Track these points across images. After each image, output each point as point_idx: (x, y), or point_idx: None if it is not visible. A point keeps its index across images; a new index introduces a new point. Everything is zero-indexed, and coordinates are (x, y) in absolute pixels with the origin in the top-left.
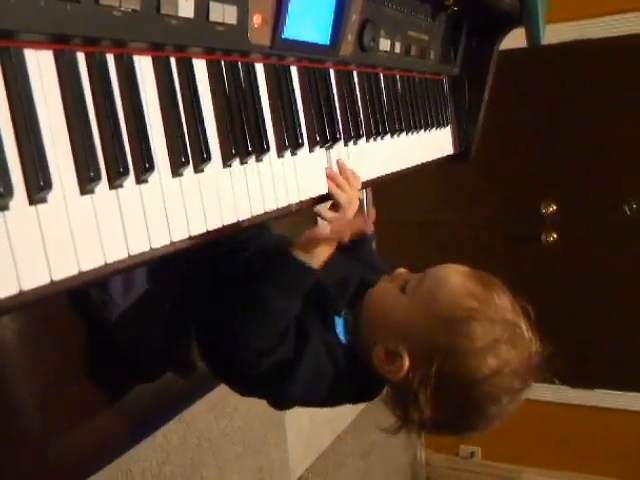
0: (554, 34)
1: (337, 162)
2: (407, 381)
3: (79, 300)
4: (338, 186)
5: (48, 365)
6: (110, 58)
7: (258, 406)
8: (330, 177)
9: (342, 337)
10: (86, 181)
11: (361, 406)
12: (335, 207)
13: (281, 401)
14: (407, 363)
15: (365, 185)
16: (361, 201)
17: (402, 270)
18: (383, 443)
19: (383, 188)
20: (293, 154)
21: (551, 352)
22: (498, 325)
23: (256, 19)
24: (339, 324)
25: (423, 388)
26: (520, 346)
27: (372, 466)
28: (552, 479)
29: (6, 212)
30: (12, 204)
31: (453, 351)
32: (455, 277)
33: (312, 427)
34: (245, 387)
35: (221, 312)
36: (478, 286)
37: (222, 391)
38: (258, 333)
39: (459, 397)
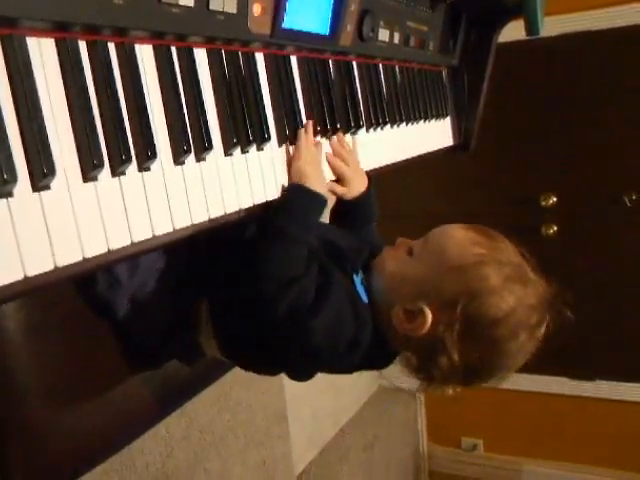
0: (553, 26)
1: (337, 135)
2: (431, 333)
3: (83, 287)
4: (342, 159)
5: (51, 354)
6: (111, 46)
7: (261, 400)
8: (335, 152)
9: (362, 296)
10: (89, 168)
11: (363, 399)
12: (342, 182)
13: (302, 351)
14: (430, 316)
15: None
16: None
17: (402, 239)
18: (386, 436)
19: (382, 180)
20: (291, 144)
21: (557, 290)
22: (506, 266)
23: (256, 8)
24: (358, 283)
25: (449, 333)
26: (530, 283)
27: (375, 459)
28: (554, 470)
29: (10, 199)
30: (16, 191)
31: (472, 294)
32: (458, 231)
33: (315, 421)
34: (269, 342)
35: (239, 262)
36: (481, 235)
37: (225, 385)
38: (281, 260)
39: (484, 336)
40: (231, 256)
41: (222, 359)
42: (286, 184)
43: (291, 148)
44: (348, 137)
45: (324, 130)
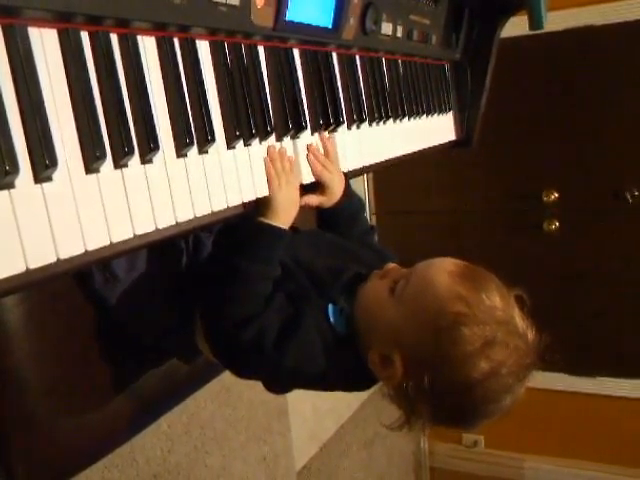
0: (557, 21)
1: (320, 137)
2: (403, 387)
3: (80, 282)
4: (322, 164)
5: (51, 350)
6: (114, 37)
7: (262, 396)
8: (314, 156)
9: (336, 326)
10: (91, 160)
11: (364, 396)
12: (321, 189)
13: (273, 379)
14: (400, 371)
15: (367, 170)
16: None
17: (391, 266)
18: (386, 432)
19: (383, 175)
20: (295, 137)
21: (549, 340)
22: (488, 326)
23: (259, 0)
24: (332, 313)
25: (420, 395)
26: (513, 343)
27: (375, 455)
28: (555, 467)
29: (12, 190)
30: (18, 182)
31: (444, 359)
32: (441, 278)
33: (316, 417)
34: (240, 364)
35: (205, 289)
36: (465, 286)
37: (226, 380)
38: (239, 301)
39: (456, 402)
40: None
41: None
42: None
43: (293, 142)
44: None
45: (326, 124)
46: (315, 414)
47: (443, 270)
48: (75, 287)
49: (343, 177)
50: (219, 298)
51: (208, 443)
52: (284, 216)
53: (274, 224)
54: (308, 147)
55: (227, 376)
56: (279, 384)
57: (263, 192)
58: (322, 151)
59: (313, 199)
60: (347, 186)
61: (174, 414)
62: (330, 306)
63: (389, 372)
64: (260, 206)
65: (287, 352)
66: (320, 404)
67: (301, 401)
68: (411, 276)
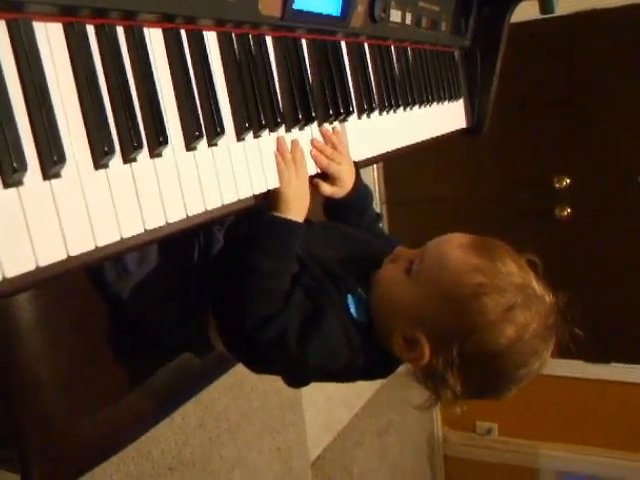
0: (567, 4)
1: (321, 131)
2: (432, 365)
3: (92, 276)
4: (329, 157)
5: (66, 346)
6: (120, 30)
7: (275, 387)
8: (318, 150)
9: (356, 316)
10: (100, 155)
11: (377, 385)
12: (332, 180)
13: (295, 375)
14: (427, 349)
15: (378, 159)
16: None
17: (402, 249)
18: (400, 421)
19: (392, 164)
20: (302, 129)
21: (566, 299)
22: (508, 292)
23: None
24: (352, 303)
25: (449, 369)
26: (535, 306)
27: (389, 444)
28: (569, 453)
29: (20, 187)
30: (26, 179)
31: (470, 330)
32: (454, 252)
33: (329, 407)
34: (260, 361)
35: (220, 288)
36: (480, 257)
37: (239, 372)
38: (258, 300)
39: (486, 370)
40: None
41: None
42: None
43: (301, 133)
44: (338, 126)
45: (336, 113)
46: (328, 404)
47: (455, 244)
48: (87, 282)
49: (354, 167)
50: (237, 297)
51: (222, 435)
52: (296, 209)
53: (288, 218)
54: (312, 142)
55: (240, 368)
56: (301, 379)
57: (274, 183)
58: (329, 143)
59: (326, 187)
60: (357, 176)
61: (188, 407)
62: (349, 296)
63: (416, 353)
64: (271, 199)
65: (311, 349)
66: (333, 394)
67: (314, 391)
68: (424, 255)
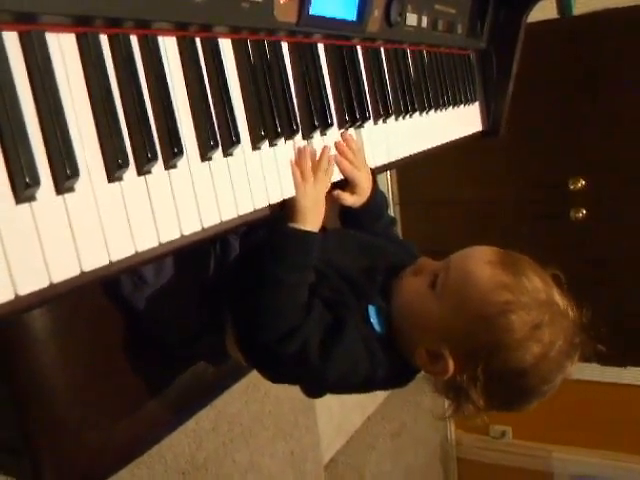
0: (584, 4)
1: (343, 137)
2: (455, 379)
3: (108, 287)
4: (350, 162)
5: (80, 357)
6: (134, 39)
7: (289, 391)
8: (341, 154)
9: (377, 327)
10: (114, 168)
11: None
12: (351, 188)
13: (314, 386)
14: (452, 365)
15: (394, 165)
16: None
17: (425, 260)
18: (413, 424)
19: (409, 166)
20: (323, 134)
21: (589, 315)
22: (534, 310)
23: None
24: (372, 314)
25: (473, 385)
26: (560, 323)
27: (402, 447)
28: (583, 458)
29: (33, 203)
30: (39, 194)
31: (496, 347)
32: (481, 269)
33: (342, 410)
34: (279, 373)
35: (239, 301)
36: (506, 273)
37: (253, 377)
38: (278, 313)
39: (511, 386)
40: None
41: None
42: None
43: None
44: (353, 132)
45: (352, 119)
46: (341, 407)
47: (481, 260)
48: (103, 292)
49: (370, 174)
50: (257, 311)
51: (236, 439)
52: (312, 219)
53: (305, 229)
54: (336, 145)
55: (254, 373)
56: (320, 391)
57: (290, 192)
58: (351, 149)
59: (347, 197)
60: (374, 183)
61: (202, 411)
62: (370, 307)
63: (439, 367)
64: (287, 210)
65: (331, 364)
66: (346, 397)
67: (328, 395)
68: (449, 269)
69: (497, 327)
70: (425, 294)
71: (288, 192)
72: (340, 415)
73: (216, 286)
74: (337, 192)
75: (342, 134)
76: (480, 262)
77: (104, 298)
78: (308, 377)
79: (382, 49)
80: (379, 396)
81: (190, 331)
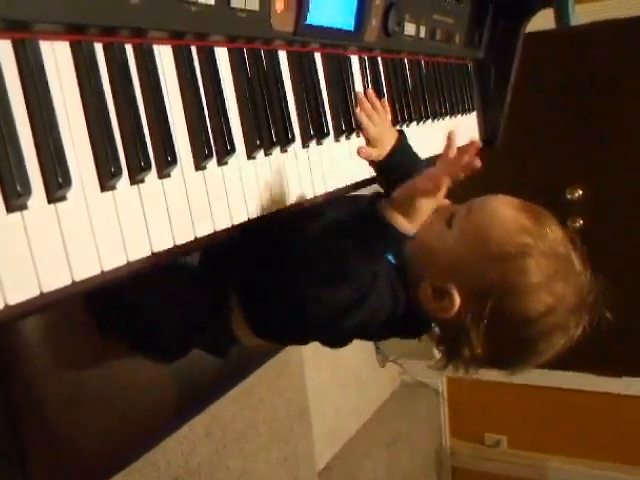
0: (582, 14)
1: (367, 92)
2: (457, 319)
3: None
4: (368, 117)
5: (71, 362)
6: (129, 48)
7: (283, 397)
8: (360, 104)
9: (393, 260)
10: (107, 177)
11: (386, 395)
12: (370, 143)
13: (336, 341)
14: (458, 301)
15: None
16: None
17: (446, 201)
18: (408, 432)
19: None
20: (319, 144)
21: (605, 283)
22: (552, 260)
23: (278, 5)
24: None
25: (475, 326)
26: (573, 281)
27: (397, 455)
28: (578, 467)
29: (24, 212)
30: (30, 203)
31: (508, 289)
32: (505, 210)
33: (337, 417)
34: (296, 337)
35: (286, 269)
36: (530, 219)
37: (247, 382)
38: (335, 287)
39: (512, 334)
40: (266, 247)
41: (254, 346)
42: (311, 188)
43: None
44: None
45: (350, 129)
46: (336, 415)
47: (507, 203)
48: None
49: (395, 132)
50: (318, 284)
51: (229, 445)
52: (420, 219)
53: (410, 232)
54: (357, 96)
55: (249, 379)
56: (345, 341)
57: (282, 205)
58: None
59: (366, 151)
60: (402, 142)
61: (195, 417)
62: None
63: (444, 304)
64: (401, 198)
65: (362, 313)
66: (341, 403)
67: (322, 401)
68: (472, 207)
69: (513, 268)
70: (440, 229)
71: (282, 203)
72: (335, 422)
73: (220, 267)
74: (359, 147)
75: (367, 92)
76: (506, 204)
77: (98, 300)
78: (331, 335)
79: (380, 58)
80: (374, 403)
81: (193, 318)
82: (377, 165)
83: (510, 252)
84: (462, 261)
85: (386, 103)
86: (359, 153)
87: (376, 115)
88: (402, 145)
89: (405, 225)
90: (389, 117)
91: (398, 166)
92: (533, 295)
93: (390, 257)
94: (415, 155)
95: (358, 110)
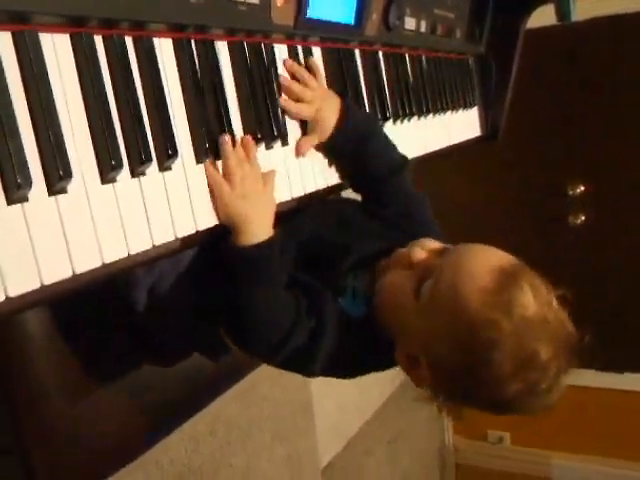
0: (583, 10)
1: (286, 63)
2: (432, 387)
3: (103, 289)
4: (298, 96)
5: (72, 359)
6: (129, 40)
7: (287, 394)
8: (287, 91)
9: (353, 311)
10: (107, 170)
11: (388, 392)
12: (310, 126)
13: (307, 374)
14: (428, 377)
15: None
16: None
17: (417, 252)
18: (411, 429)
19: None
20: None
21: (591, 343)
22: (522, 350)
23: None
24: (345, 304)
25: (450, 398)
26: (548, 364)
27: (400, 452)
28: (581, 463)
29: (25, 204)
30: (31, 195)
31: (475, 379)
32: (471, 296)
33: (340, 415)
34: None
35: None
36: (498, 304)
37: (251, 379)
38: (259, 331)
39: (490, 403)
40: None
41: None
42: (313, 182)
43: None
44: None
45: None
46: (339, 412)
47: (474, 284)
48: (93, 293)
49: (336, 101)
50: (241, 327)
51: (233, 443)
52: (261, 225)
53: (255, 243)
54: (281, 77)
55: (252, 376)
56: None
57: (285, 197)
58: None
59: (305, 144)
60: (346, 114)
61: (198, 414)
62: (340, 300)
63: (417, 374)
64: (230, 227)
65: (320, 360)
66: (344, 401)
67: (325, 399)
68: (439, 281)
69: (478, 361)
70: (408, 302)
71: (284, 196)
72: (338, 420)
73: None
74: (296, 142)
75: (285, 63)
76: (473, 286)
77: (96, 297)
78: (294, 370)
79: (380, 53)
80: (377, 401)
81: (186, 323)
82: (326, 149)
83: (472, 345)
84: (428, 341)
85: (314, 62)
86: (297, 152)
87: (308, 91)
88: (347, 119)
89: (241, 240)
90: (323, 81)
91: (343, 148)
92: (501, 386)
93: (353, 311)
94: (364, 121)
95: (282, 100)
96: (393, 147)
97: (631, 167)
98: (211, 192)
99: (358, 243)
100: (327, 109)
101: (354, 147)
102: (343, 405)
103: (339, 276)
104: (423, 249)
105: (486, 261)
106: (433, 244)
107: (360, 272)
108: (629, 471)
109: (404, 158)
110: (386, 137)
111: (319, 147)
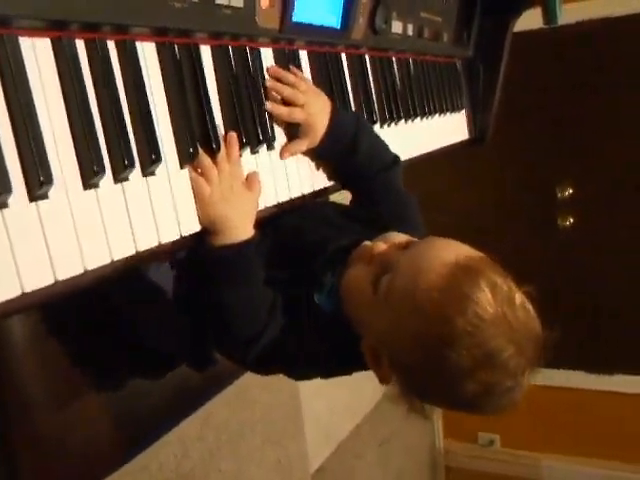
0: (570, 13)
1: (270, 70)
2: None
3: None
4: (290, 99)
5: (64, 361)
6: (111, 45)
7: (277, 398)
8: (275, 92)
9: (326, 306)
10: (89, 175)
11: (379, 395)
12: (301, 130)
13: (290, 376)
14: (389, 374)
15: None
16: None
17: (380, 247)
18: (401, 432)
19: None
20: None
21: (555, 340)
22: (477, 348)
23: (264, 1)
24: (319, 299)
25: (410, 395)
26: (505, 364)
27: (391, 455)
28: (572, 465)
29: (5, 210)
30: (11, 201)
31: (433, 376)
32: (426, 294)
33: (330, 418)
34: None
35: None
36: (454, 301)
37: (240, 384)
38: (237, 326)
39: (449, 401)
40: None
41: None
42: (299, 186)
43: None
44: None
45: None
46: (330, 415)
47: (429, 278)
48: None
49: (325, 102)
50: (220, 324)
51: (222, 447)
52: (241, 226)
53: (232, 242)
54: (268, 84)
55: (241, 380)
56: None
57: (271, 202)
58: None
59: (295, 148)
60: (335, 116)
61: (188, 418)
62: (315, 296)
63: (379, 370)
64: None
65: (295, 364)
66: (335, 404)
67: (316, 402)
68: (396, 275)
69: (434, 358)
70: (367, 296)
71: (269, 201)
72: (328, 423)
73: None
74: (284, 147)
75: (269, 69)
76: (426, 278)
77: (83, 304)
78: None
79: (367, 56)
80: (368, 404)
81: (172, 333)
82: (316, 153)
83: (428, 342)
84: (386, 337)
85: (296, 70)
86: (287, 155)
87: (299, 94)
88: (337, 120)
89: (219, 240)
90: (309, 84)
91: (334, 148)
92: (457, 385)
93: (325, 306)
94: (354, 120)
95: (271, 105)
96: (383, 145)
97: (621, 170)
98: (194, 194)
99: (336, 240)
100: (318, 111)
101: (345, 146)
102: (333, 409)
103: (318, 272)
104: (386, 242)
105: (444, 255)
106: (398, 237)
107: (339, 268)
108: (618, 472)
109: (395, 156)
110: (377, 136)
111: (308, 149)
